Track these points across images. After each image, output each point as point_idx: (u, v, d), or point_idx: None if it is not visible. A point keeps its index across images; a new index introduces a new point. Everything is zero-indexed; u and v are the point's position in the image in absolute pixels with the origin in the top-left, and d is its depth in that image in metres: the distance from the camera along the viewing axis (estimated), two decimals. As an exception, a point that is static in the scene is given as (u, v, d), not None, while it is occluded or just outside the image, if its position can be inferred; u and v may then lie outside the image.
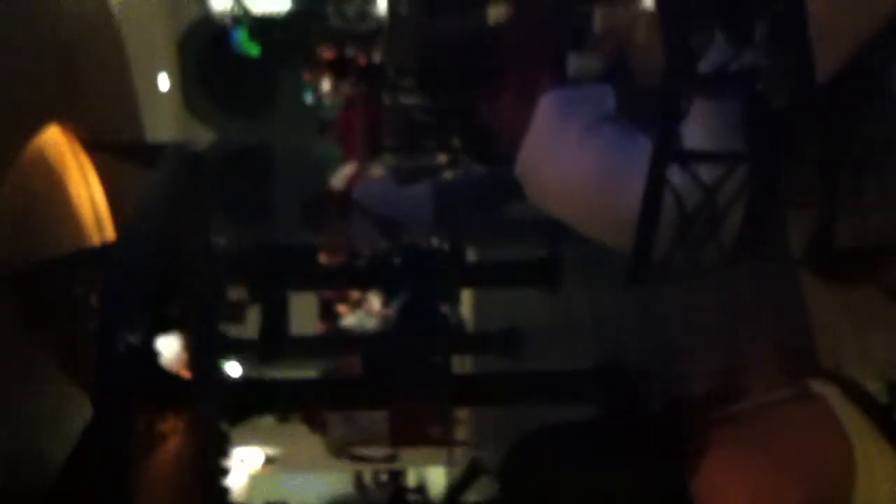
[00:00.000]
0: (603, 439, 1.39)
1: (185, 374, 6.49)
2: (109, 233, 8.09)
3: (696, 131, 2.39)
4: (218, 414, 6.86)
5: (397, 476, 15.75)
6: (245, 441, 11.43)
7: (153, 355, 5.41)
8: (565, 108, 2.61)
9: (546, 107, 2.64)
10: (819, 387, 1.42)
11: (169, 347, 6.19)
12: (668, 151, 2.24)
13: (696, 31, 2.23)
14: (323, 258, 11.55)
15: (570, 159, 2.57)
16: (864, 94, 2.09)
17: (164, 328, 5.91)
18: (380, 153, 11.12)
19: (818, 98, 2.08)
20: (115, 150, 7.98)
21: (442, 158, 10.79)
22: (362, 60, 11.91)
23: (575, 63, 2.77)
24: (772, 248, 2.49)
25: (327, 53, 12.31)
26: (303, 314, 11.29)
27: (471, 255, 10.20)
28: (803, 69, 1.88)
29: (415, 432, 10.31)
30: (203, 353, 6.81)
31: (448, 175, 9.87)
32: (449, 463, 12.41)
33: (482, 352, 9.38)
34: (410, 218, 5.29)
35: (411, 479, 16.19)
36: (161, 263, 5.76)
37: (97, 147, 7.84)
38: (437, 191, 5.31)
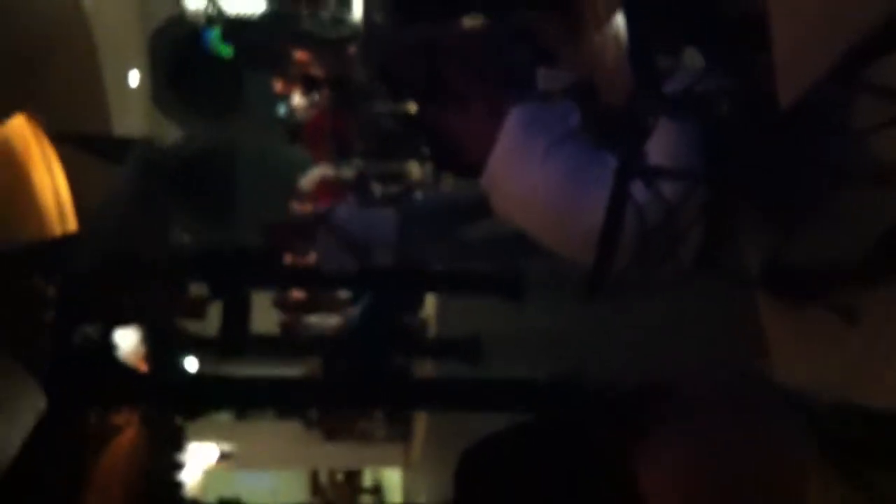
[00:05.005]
0: (547, 440, 1.41)
1: (143, 367, 6.46)
2: (72, 224, 8.01)
3: (660, 150, 2.44)
4: (174, 408, 6.82)
5: (353, 476, 15.72)
6: (201, 437, 11.36)
7: (110, 348, 5.39)
8: (533, 122, 2.65)
9: (514, 120, 2.67)
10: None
11: (127, 341, 6.16)
12: (632, 168, 2.29)
13: (664, 53, 2.28)
14: (286, 258, 11.49)
15: (535, 173, 2.60)
16: (823, 123, 2.15)
17: (123, 322, 5.87)
18: (349, 158, 11.11)
19: (778, 124, 2.14)
20: (81, 143, 7.92)
21: (413, 172, 10.78)
22: (335, 67, 11.88)
23: (544, 78, 2.81)
24: (728, 267, 2.55)
25: (300, 58, 12.26)
26: (264, 312, 11.24)
27: (436, 263, 10.20)
28: (765, 96, 1.93)
29: None
30: (161, 347, 6.78)
31: (415, 196, 9.90)
32: (405, 464, 12.38)
33: (443, 358, 9.40)
34: (376, 240, 5.30)
35: (367, 480, 16.16)
36: (122, 257, 5.74)
37: (63, 139, 7.77)
38: (403, 213, 5.34)
